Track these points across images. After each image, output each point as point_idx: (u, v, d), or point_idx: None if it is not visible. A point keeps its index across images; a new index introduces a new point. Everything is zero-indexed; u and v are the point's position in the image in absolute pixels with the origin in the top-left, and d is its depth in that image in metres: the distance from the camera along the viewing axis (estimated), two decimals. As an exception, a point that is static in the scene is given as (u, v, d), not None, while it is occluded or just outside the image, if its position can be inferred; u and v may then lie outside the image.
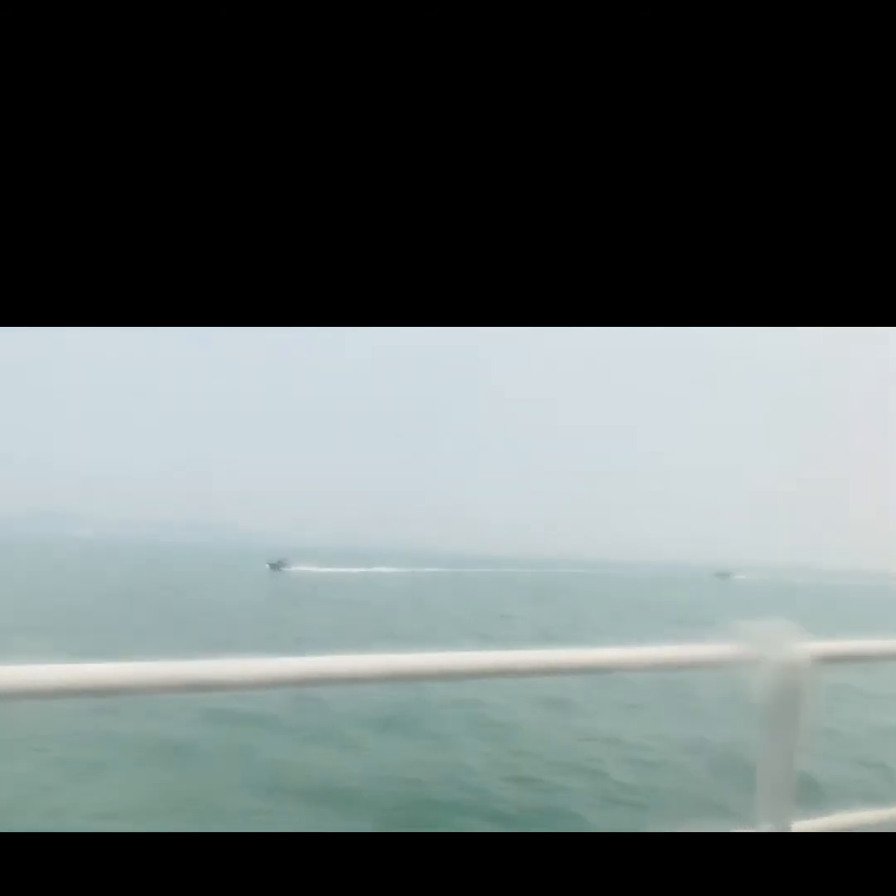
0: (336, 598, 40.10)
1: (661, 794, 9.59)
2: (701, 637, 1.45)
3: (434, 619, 30.60)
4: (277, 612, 31.12)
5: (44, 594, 34.71)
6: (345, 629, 24.95)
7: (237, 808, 8.50)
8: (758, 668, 1.41)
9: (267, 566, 68.70)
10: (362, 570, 77.03)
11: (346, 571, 72.17)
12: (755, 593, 66.85)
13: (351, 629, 24.90)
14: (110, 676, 1.06)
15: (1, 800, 8.30)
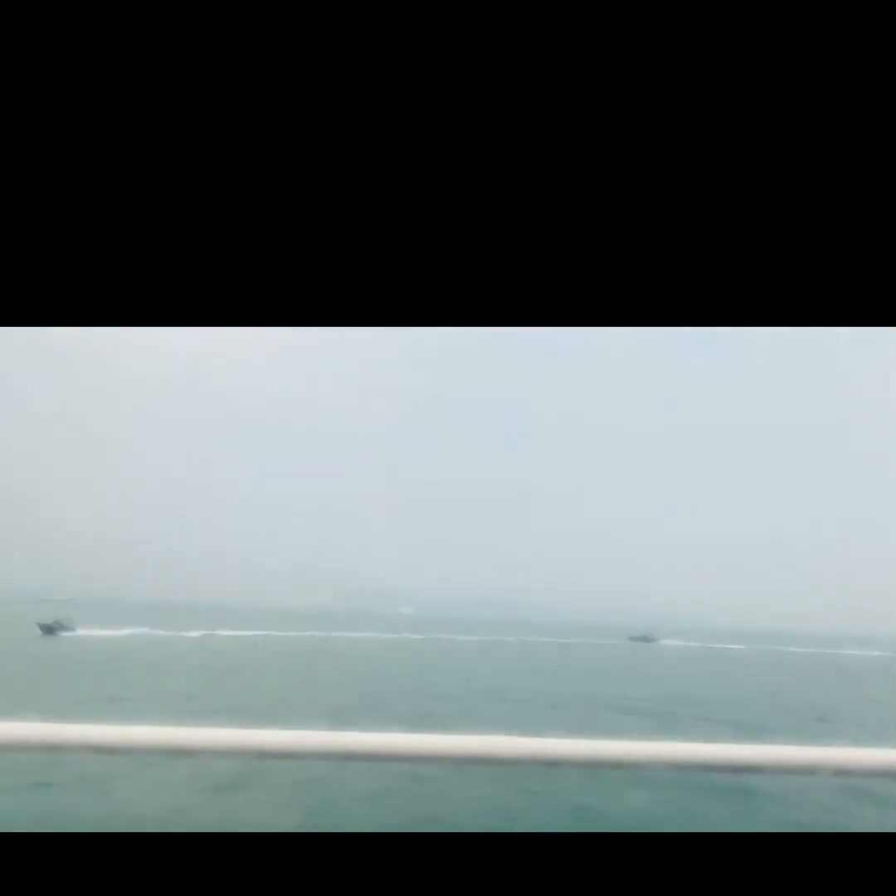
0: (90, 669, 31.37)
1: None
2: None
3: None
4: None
5: None
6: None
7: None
8: None
9: (38, 629, 54.66)
10: (189, 634, 62.71)
11: (160, 634, 59.96)
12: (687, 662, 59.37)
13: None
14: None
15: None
